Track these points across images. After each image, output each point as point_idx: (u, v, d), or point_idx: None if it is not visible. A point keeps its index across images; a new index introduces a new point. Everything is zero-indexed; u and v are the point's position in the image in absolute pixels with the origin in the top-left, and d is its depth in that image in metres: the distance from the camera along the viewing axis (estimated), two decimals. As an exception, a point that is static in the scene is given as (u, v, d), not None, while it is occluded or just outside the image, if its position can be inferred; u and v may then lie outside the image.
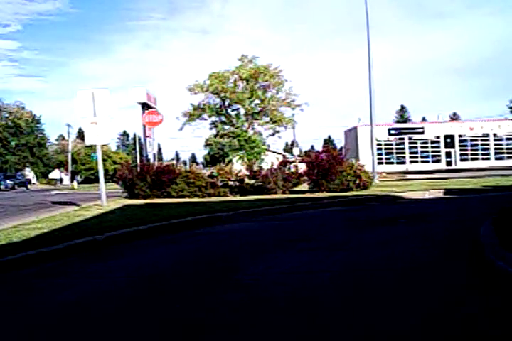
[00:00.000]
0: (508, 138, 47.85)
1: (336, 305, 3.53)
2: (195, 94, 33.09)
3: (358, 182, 15.47)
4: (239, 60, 33.09)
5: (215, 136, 35.33)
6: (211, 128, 35.39)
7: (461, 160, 47.98)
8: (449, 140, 48.15)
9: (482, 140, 48.06)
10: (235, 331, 3.11)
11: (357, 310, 3.38)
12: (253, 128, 34.25)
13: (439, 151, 48.24)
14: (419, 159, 48.14)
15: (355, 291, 3.86)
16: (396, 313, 3.26)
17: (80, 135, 64.52)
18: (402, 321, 3.10)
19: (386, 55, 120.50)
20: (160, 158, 59.64)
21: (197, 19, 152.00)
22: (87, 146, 57.47)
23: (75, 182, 50.17)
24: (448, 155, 48.38)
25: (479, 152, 48.37)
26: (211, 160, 79.35)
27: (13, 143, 65.53)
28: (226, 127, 34.57)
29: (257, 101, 33.35)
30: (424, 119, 76.53)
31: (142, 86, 18.63)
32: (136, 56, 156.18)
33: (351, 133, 48.36)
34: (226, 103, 33.90)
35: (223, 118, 34.38)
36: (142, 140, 19.83)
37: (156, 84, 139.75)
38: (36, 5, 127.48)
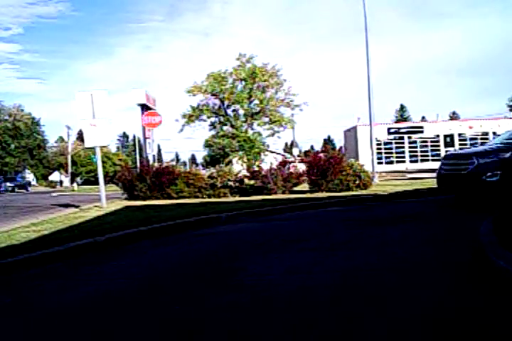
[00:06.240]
0: (507, 137, 47.79)
1: (336, 305, 3.54)
2: (194, 95, 33.06)
3: (357, 182, 15.47)
4: (237, 59, 33.07)
5: (216, 135, 35.27)
6: (211, 129, 35.39)
7: (461, 159, 47.84)
8: (448, 139, 48.14)
9: (482, 139, 47.96)
10: (234, 331, 3.13)
11: (357, 310, 3.39)
12: (252, 129, 34.21)
13: (438, 150, 48.22)
14: (419, 158, 48.19)
15: (355, 292, 3.87)
16: (396, 314, 3.27)
17: (80, 137, 64.52)
18: (402, 322, 3.11)
19: (386, 54, 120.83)
20: (160, 159, 59.62)
21: (197, 21, 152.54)
22: (86, 148, 57.53)
23: (75, 184, 50.26)
24: (448, 154, 48.27)
25: (479, 151, 48.24)
26: (211, 160, 79.39)
27: (12, 146, 65.54)
28: (225, 128, 34.53)
29: (256, 101, 33.31)
30: (423, 119, 76.59)
31: (142, 87, 18.73)
32: (136, 58, 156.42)
33: (351, 133, 48.30)
34: (225, 104, 33.88)
35: (222, 119, 34.36)
36: (142, 141, 19.86)
37: (157, 85, 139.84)
38: (38, 8, 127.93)
